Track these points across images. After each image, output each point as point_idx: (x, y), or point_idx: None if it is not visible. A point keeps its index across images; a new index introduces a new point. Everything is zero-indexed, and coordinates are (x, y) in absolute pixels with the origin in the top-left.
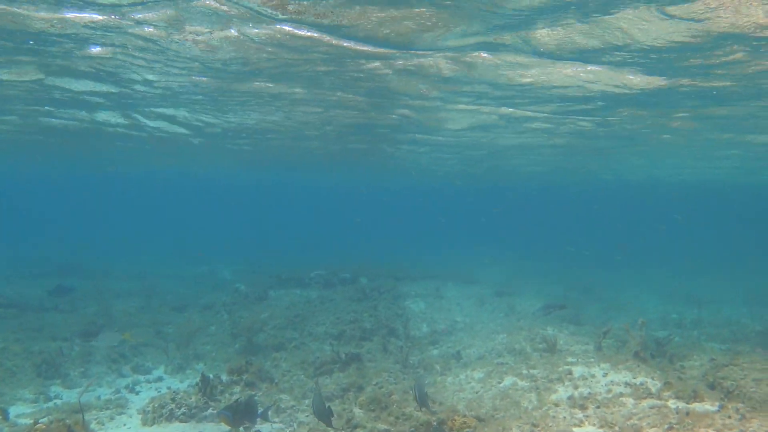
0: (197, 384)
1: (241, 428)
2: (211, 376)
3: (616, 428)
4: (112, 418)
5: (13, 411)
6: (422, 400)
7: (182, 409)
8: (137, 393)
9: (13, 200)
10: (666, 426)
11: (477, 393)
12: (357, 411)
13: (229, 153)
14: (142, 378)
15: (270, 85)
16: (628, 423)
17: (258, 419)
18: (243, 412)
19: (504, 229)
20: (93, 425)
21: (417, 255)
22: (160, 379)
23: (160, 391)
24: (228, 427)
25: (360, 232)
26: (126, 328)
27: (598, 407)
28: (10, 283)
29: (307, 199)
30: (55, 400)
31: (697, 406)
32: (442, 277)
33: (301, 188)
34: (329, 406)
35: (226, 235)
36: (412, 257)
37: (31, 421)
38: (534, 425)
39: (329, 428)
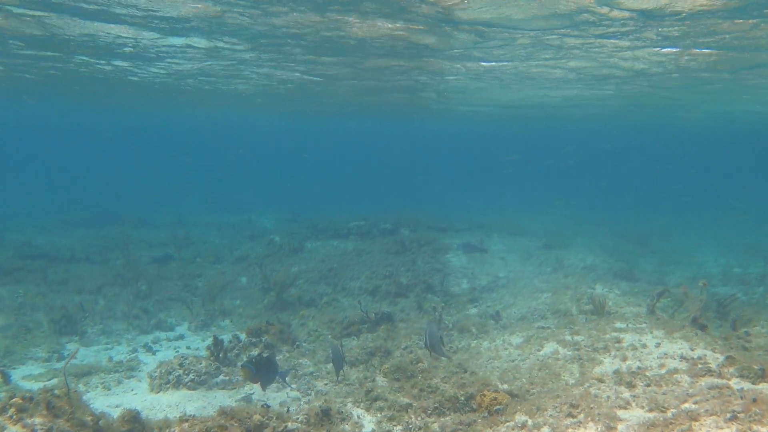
0: (209, 347)
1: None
2: (229, 337)
3: (668, 414)
4: (119, 382)
5: (22, 371)
6: (433, 346)
7: (191, 375)
8: (154, 353)
9: (55, 148)
10: (728, 414)
11: (513, 362)
12: (380, 380)
13: (277, 98)
14: (162, 336)
15: None
16: (683, 407)
17: (276, 377)
18: (264, 367)
19: (558, 177)
20: (97, 390)
21: (465, 205)
22: (181, 337)
23: (178, 351)
24: (240, 393)
25: (410, 181)
26: (154, 281)
27: (648, 385)
28: (45, 233)
29: (357, 146)
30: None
31: (765, 389)
32: (488, 228)
33: (350, 135)
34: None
35: (271, 184)
36: (460, 207)
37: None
38: (573, 406)
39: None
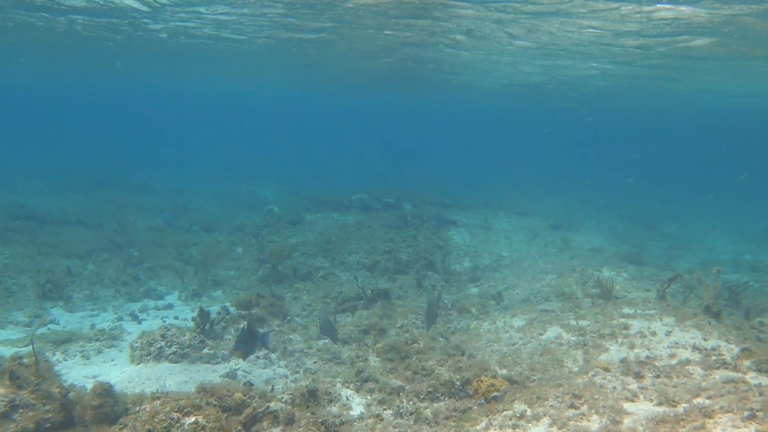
0: (194, 318)
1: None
2: (217, 308)
3: (680, 408)
4: (99, 352)
5: (0, 335)
6: (429, 319)
7: (173, 348)
8: (140, 322)
9: (58, 110)
10: (746, 412)
11: (514, 345)
12: (372, 360)
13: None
14: (151, 304)
15: None
16: (695, 402)
17: (257, 344)
18: (248, 341)
19: (567, 159)
20: (75, 359)
21: (472, 182)
22: (170, 306)
23: (166, 321)
24: (224, 368)
25: (416, 157)
26: (147, 248)
27: (657, 376)
28: (40, 194)
29: (364, 120)
30: (50, 326)
31: None
32: (494, 207)
33: (359, 109)
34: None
35: (277, 156)
36: (466, 184)
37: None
38: (576, 396)
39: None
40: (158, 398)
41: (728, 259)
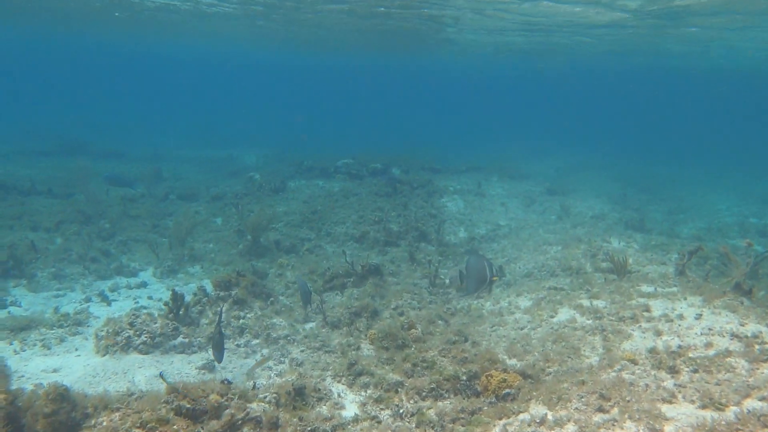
0: (167, 302)
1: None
2: (194, 288)
3: (729, 413)
4: (62, 340)
5: None
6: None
7: (143, 338)
8: (110, 303)
9: (28, 71)
10: None
11: (522, 330)
12: (366, 348)
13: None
14: (123, 282)
15: None
16: (747, 405)
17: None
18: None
19: (561, 120)
20: (35, 349)
21: (462, 144)
22: (143, 284)
23: (138, 302)
24: (201, 358)
25: (404, 119)
26: (119, 219)
27: (695, 371)
28: (5, 160)
29: (349, 81)
30: (11, 308)
31: None
32: (487, 171)
33: (343, 70)
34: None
35: (259, 119)
36: (457, 146)
37: None
38: (603, 397)
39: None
40: (118, 410)
41: (733, 222)
